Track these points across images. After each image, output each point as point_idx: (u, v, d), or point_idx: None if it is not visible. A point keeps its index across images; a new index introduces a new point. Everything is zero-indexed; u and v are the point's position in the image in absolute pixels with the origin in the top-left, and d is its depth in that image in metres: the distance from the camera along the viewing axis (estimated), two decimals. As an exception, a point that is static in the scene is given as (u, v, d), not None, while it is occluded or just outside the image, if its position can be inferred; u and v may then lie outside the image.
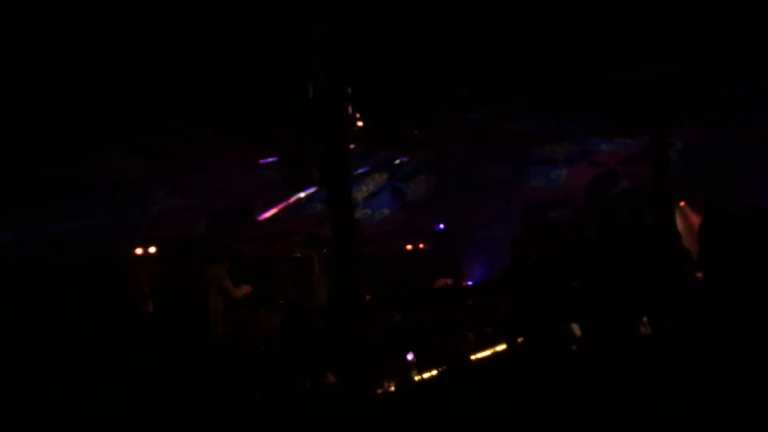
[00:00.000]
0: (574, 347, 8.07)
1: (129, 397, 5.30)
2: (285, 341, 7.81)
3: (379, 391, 7.44)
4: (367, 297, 9.62)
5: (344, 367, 7.13)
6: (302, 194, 11.96)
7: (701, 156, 12.80)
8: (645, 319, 8.15)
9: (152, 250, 11.76)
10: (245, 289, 8.93)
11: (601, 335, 7.98)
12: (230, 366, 6.90)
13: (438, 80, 8.51)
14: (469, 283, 13.03)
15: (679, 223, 10.27)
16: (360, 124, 8.30)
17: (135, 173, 9.70)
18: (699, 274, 8.70)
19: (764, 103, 10.35)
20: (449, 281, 12.29)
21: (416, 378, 7.79)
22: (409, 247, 14.68)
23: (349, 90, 7.70)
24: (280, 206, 12.52)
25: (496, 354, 8.46)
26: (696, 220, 10.63)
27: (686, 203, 13.70)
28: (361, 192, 12.47)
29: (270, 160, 10.26)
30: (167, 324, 7.64)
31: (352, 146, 8.29)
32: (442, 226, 14.47)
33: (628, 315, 7.99)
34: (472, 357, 8.63)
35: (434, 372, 7.61)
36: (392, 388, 7.75)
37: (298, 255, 13.36)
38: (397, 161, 12.29)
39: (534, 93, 9.18)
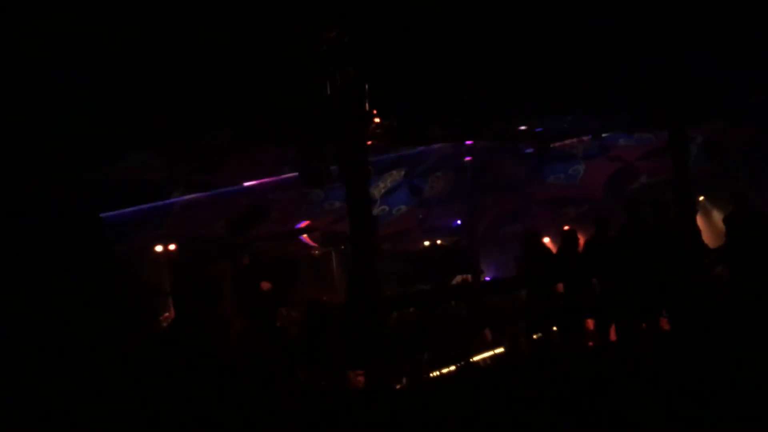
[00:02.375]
0: (591, 343, 8.07)
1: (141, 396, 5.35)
2: (307, 339, 7.86)
3: (398, 386, 7.48)
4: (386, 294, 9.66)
5: (365, 363, 7.19)
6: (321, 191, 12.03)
7: (721, 151, 12.71)
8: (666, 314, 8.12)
9: (172, 247, 11.88)
10: (265, 285, 9.00)
11: (624, 331, 7.97)
12: (245, 365, 6.97)
13: (455, 78, 8.52)
14: (487, 279, 13.03)
15: (699, 218, 10.19)
16: (377, 121, 8.33)
17: (155, 173, 9.80)
18: (720, 270, 8.65)
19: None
20: (468, 277, 12.31)
21: (433, 374, 7.80)
22: (426, 243, 14.69)
23: (367, 87, 7.73)
24: (307, 222, 12.71)
25: (512, 349, 8.47)
26: (716, 215, 10.56)
27: (706, 198, 13.60)
28: (378, 189, 12.50)
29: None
30: (185, 322, 7.72)
31: (369, 143, 8.32)
32: (459, 222, 14.47)
33: (650, 311, 7.98)
34: (488, 353, 8.64)
35: (451, 368, 7.63)
36: (412, 383, 7.79)
37: (317, 252, 13.42)
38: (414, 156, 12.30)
39: (553, 89, 9.16)
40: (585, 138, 12.54)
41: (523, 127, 11.18)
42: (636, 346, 7.17)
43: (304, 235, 13.14)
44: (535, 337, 8.16)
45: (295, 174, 10.32)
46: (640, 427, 4.23)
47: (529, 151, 12.98)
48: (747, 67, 8.90)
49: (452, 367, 7.58)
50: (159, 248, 11.79)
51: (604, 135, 12.35)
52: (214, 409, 5.18)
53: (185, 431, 4.99)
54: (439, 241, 14.50)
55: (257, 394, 5.84)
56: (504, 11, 7.57)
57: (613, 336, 8.10)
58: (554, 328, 8.21)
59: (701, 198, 13.36)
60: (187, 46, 6.66)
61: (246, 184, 11.58)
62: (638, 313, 7.98)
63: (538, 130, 11.19)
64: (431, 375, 7.72)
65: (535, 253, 8.20)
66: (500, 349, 8.77)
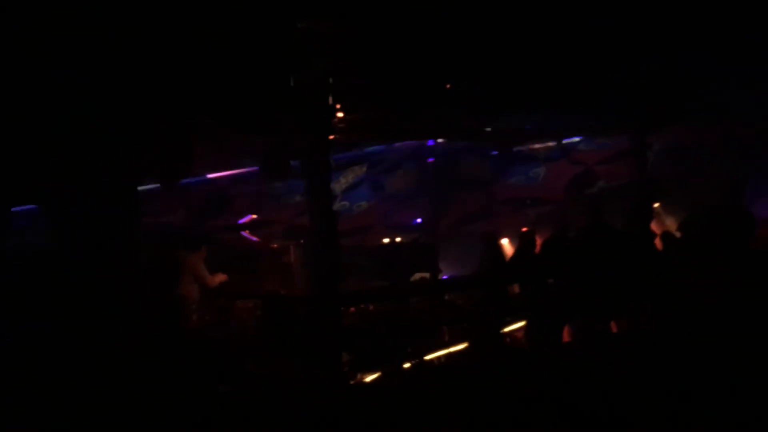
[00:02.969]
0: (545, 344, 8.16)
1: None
2: (265, 332, 7.81)
3: (352, 382, 7.48)
4: (345, 289, 9.65)
5: (324, 358, 7.18)
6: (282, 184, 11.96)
7: (679, 159, 12.97)
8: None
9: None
10: (220, 277, 8.91)
11: (577, 332, 8.08)
12: (201, 357, 6.89)
13: (421, 75, 8.54)
14: (445, 277, 13.10)
15: (654, 225, 10.41)
16: (340, 115, 8.32)
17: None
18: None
19: (745, 105, 10.50)
20: (426, 276, 12.35)
21: (388, 370, 7.83)
22: (386, 240, 14.71)
23: (331, 81, 7.71)
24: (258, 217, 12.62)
25: (468, 348, 8.54)
26: (670, 222, 10.79)
27: (661, 205, 13.87)
28: (340, 184, 12.48)
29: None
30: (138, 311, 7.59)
31: (332, 137, 8.30)
32: (419, 220, 14.53)
33: (604, 314, 8.10)
34: (445, 351, 8.69)
35: (407, 365, 7.67)
36: (366, 380, 7.80)
37: (276, 246, 13.33)
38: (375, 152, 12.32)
39: (518, 90, 9.24)
40: (547, 140, 12.72)
41: (488, 129, 11.29)
42: (588, 347, 7.28)
43: (246, 231, 13.01)
44: (489, 336, 8.24)
45: (257, 167, 10.25)
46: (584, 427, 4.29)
47: (493, 153, 13.13)
48: (708, 74, 9.09)
49: (407, 364, 7.62)
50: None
51: (564, 141, 12.55)
52: (162, 398, 5.12)
53: (133, 419, 4.92)
54: (398, 238, 14.53)
55: (208, 385, 5.78)
56: (473, 10, 7.59)
57: (566, 337, 8.22)
58: (507, 329, 8.30)
59: (656, 204, 13.63)
60: (150, 31, 6.54)
61: (208, 175, 11.45)
62: (592, 315, 8.10)
63: (502, 130, 11.32)
64: (387, 371, 7.74)
65: (492, 253, 8.27)
66: (456, 348, 8.83)
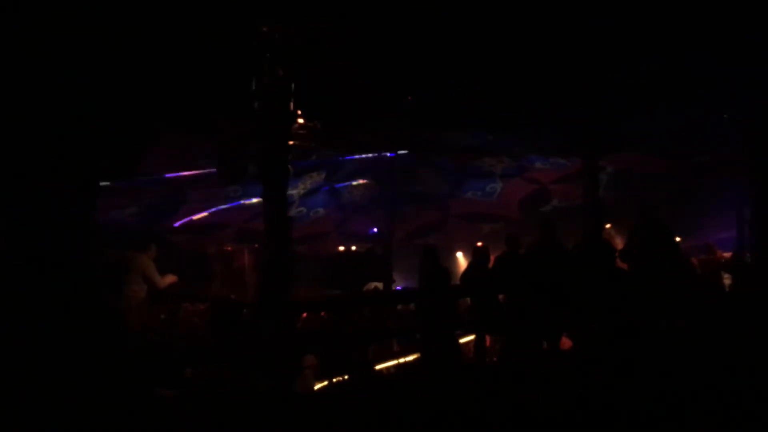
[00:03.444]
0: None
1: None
2: (213, 336, 7.71)
3: (299, 389, 7.43)
4: (297, 296, 9.60)
5: (271, 364, 7.10)
6: (238, 188, 11.86)
7: (629, 182, 13.27)
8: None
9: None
10: (170, 278, 8.78)
11: (523, 348, 8.16)
12: (146, 359, 6.76)
13: (383, 85, 8.59)
14: (398, 288, 13.14)
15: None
16: (301, 121, 8.30)
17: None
18: None
19: (697, 137, 10.82)
20: (379, 285, 12.37)
21: (336, 379, 7.80)
22: (341, 248, 14.69)
23: (293, 86, 7.69)
24: (211, 210, 12.46)
25: (417, 360, 8.56)
26: (620, 242, 11.00)
27: (612, 226, 14.16)
28: (297, 190, 12.43)
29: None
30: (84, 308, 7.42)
31: (291, 143, 8.27)
32: (375, 230, 14.55)
33: (553, 330, 8.20)
34: (394, 362, 8.71)
35: (348, 376, 7.67)
36: (315, 387, 7.77)
37: (229, 249, 13.20)
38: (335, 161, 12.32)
39: (476, 107, 9.36)
40: (504, 157, 12.87)
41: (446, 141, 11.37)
42: (534, 363, 7.37)
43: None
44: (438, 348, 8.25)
45: (213, 168, 10.15)
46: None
47: (450, 167, 13.22)
48: (659, 100, 9.33)
49: (350, 375, 7.62)
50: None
51: (521, 156, 12.72)
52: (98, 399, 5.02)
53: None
54: (354, 247, 14.53)
55: (146, 388, 5.69)
56: (437, 24, 7.68)
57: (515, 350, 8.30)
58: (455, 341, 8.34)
59: (608, 225, 13.91)
60: (111, 28, 6.45)
61: (163, 175, 11.28)
62: (541, 331, 8.20)
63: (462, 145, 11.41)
64: (334, 380, 7.72)
65: (431, 268, 8.30)
66: (406, 359, 8.85)
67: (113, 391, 5.30)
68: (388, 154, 12.52)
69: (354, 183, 13.32)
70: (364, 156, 12.22)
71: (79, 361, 5.38)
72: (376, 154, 12.27)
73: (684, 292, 8.26)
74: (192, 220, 12.67)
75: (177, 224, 12.57)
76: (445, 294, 8.09)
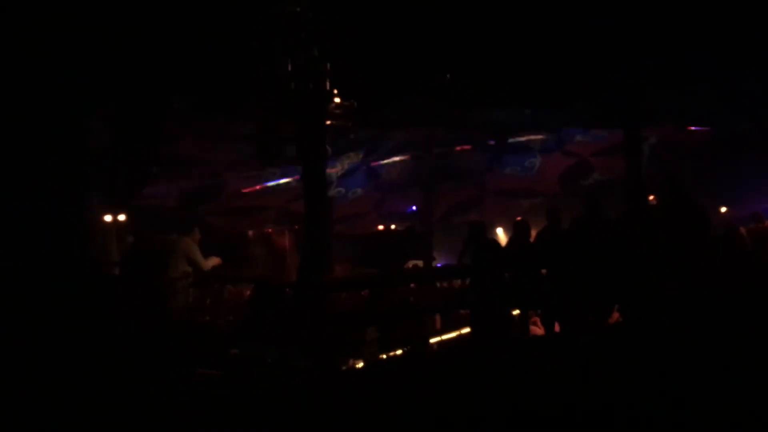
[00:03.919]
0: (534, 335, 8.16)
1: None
2: (254, 316, 7.80)
3: (344, 368, 7.49)
4: (337, 275, 9.66)
5: (311, 343, 7.17)
6: (277, 170, 11.94)
7: (672, 153, 12.99)
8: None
9: (122, 218, 11.62)
10: (214, 260, 8.89)
11: (569, 324, 8.06)
12: (190, 337, 6.88)
13: (418, 63, 8.52)
14: (439, 265, 13.12)
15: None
16: (338, 101, 8.29)
17: (105, 141, 9.55)
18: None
19: (738, 107, 10.54)
20: (419, 263, 12.37)
21: (382, 357, 7.83)
22: (380, 227, 14.73)
23: (328, 66, 7.67)
24: (257, 186, 12.54)
25: (461, 336, 8.55)
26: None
27: (655, 198, 13.89)
28: (336, 170, 12.46)
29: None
30: (130, 292, 7.58)
31: (328, 123, 8.27)
32: (414, 208, 14.53)
33: (600, 305, 8.07)
34: (438, 338, 8.70)
35: (399, 352, 7.66)
36: (358, 366, 7.81)
37: (270, 230, 13.33)
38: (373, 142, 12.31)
39: (513, 82, 9.24)
40: (542, 131, 12.71)
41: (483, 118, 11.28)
42: (581, 338, 7.28)
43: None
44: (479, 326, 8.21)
45: (252, 151, 10.22)
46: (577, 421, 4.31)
47: (489, 142, 13.10)
48: (702, 74, 9.12)
49: (399, 351, 7.62)
50: (108, 218, 11.53)
51: (560, 130, 12.54)
52: (143, 380, 5.12)
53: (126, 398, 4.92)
54: (393, 226, 14.54)
55: (190, 367, 5.78)
56: (471, 2, 7.59)
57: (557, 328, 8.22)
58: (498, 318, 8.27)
59: (651, 197, 13.65)
60: (149, 13, 6.51)
61: (201, 156, 11.41)
62: (587, 306, 8.08)
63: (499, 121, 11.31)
64: (378, 357, 7.74)
65: (480, 242, 8.21)
66: (449, 335, 8.83)
67: (157, 372, 5.40)
68: (424, 132, 12.46)
69: (392, 162, 13.29)
70: (401, 134, 12.18)
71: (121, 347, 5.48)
72: (412, 132, 12.23)
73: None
74: (242, 192, 12.70)
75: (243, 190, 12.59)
76: (499, 268, 7.99)
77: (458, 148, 13.33)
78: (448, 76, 8.86)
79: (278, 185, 12.55)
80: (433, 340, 8.61)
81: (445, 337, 8.81)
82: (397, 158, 13.23)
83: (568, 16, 7.97)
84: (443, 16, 7.77)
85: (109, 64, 6.71)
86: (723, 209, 11.35)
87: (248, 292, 9.42)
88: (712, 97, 10.14)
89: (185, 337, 6.47)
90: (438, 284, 10.30)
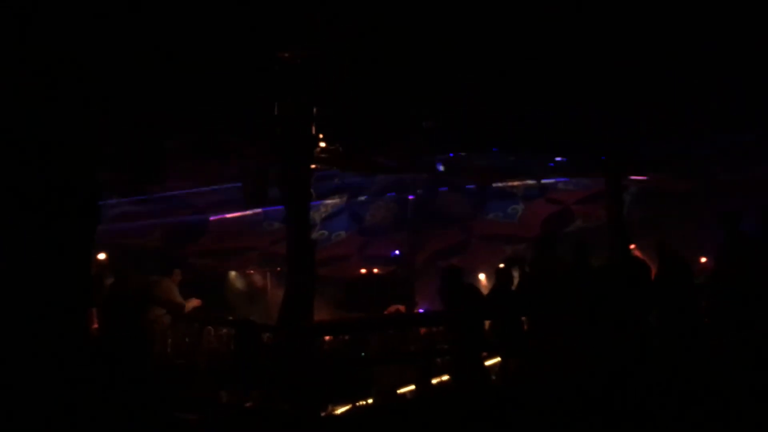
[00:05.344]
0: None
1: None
2: (236, 359, 7.70)
3: (323, 414, 7.39)
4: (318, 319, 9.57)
5: (291, 387, 7.08)
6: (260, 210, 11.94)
7: (653, 201, 13.15)
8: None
9: (101, 257, 11.50)
10: (194, 302, 8.82)
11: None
12: (169, 381, 6.76)
13: (404, 108, 8.62)
14: (421, 310, 13.07)
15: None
16: (323, 145, 8.35)
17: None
18: None
19: (723, 156, 10.73)
20: (401, 308, 12.31)
21: (362, 403, 7.75)
22: (363, 271, 14.69)
23: (315, 111, 7.75)
24: (237, 213, 12.47)
25: (442, 384, 8.47)
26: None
27: (636, 246, 14.00)
28: (319, 213, 12.48)
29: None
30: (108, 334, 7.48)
31: (313, 167, 8.31)
32: (398, 252, 14.54)
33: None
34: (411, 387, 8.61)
35: (371, 400, 7.60)
36: (337, 412, 7.71)
37: (252, 272, 13.25)
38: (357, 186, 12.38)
39: (498, 129, 9.36)
40: (525, 178, 12.84)
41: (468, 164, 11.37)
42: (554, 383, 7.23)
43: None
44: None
45: (236, 192, 10.23)
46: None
47: (471, 187, 13.21)
48: (681, 123, 9.28)
49: (371, 400, 7.56)
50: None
51: (543, 180, 12.69)
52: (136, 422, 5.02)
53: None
54: (375, 270, 14.51)
55: (172, 412, 5.68)
56: (455, 48, 7.71)
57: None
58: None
59: (632, 246, 13.76)
60: (139, 52, 6.55)
61: (186, 197, 11.39)
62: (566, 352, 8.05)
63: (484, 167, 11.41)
64: (357, 404, 7.66)
65: (455, 288, 8.19)
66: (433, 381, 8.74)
67: (136, 415, 5.30)
68: (409, 176, 12.55)
69: (375, 205, 13.35)
70: (385, 177, 12.25)
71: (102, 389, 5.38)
72: (396, 177, 12.31)
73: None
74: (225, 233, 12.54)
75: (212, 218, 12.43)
76: (477, 315, 7.98)
77: (442, 193, 13.42)
78: (428, 123, 8.96)
79: (262, 227, 12.53)
80: (410, 388, 8.53)
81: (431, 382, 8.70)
82: (381, 202, 13.30)
83: (553, 65, 8.13)
84: (430, 62, 7.89)
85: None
86: (703, 259, 11.44)
87: (226, 334, 9.31)
88: (700, 148, 10.32)
89: (163, 381, 6.36)
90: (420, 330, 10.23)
